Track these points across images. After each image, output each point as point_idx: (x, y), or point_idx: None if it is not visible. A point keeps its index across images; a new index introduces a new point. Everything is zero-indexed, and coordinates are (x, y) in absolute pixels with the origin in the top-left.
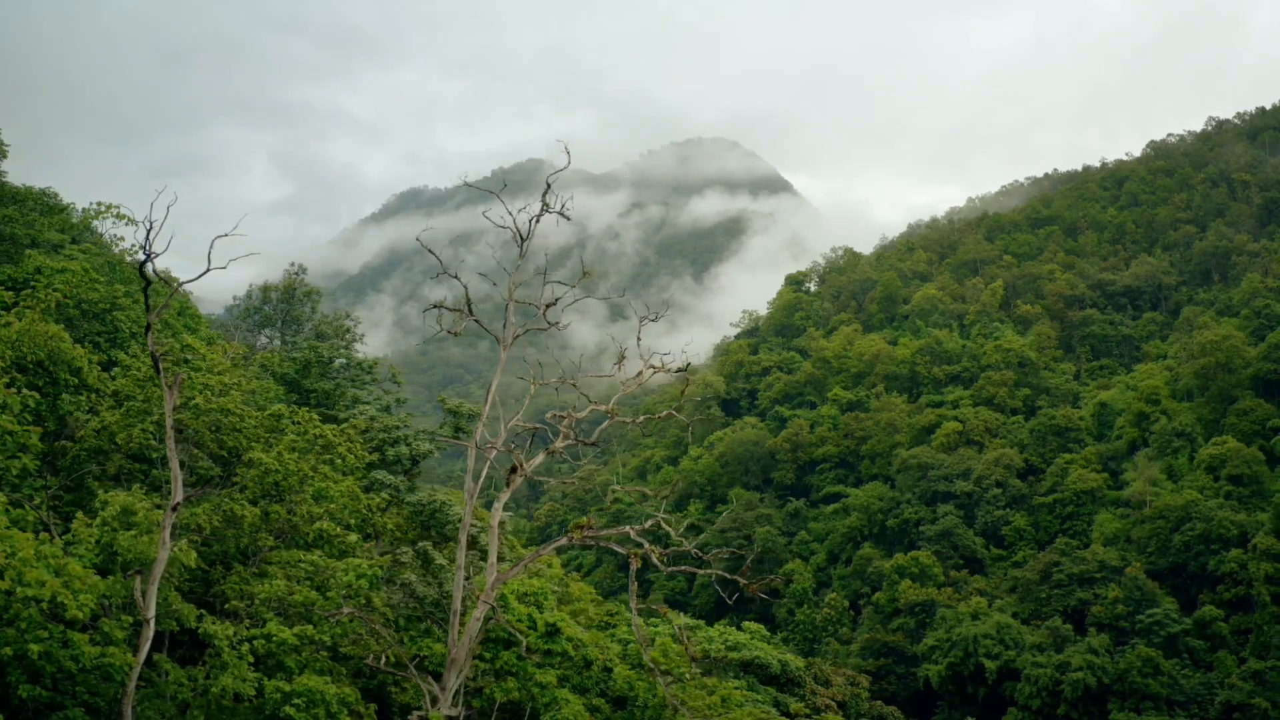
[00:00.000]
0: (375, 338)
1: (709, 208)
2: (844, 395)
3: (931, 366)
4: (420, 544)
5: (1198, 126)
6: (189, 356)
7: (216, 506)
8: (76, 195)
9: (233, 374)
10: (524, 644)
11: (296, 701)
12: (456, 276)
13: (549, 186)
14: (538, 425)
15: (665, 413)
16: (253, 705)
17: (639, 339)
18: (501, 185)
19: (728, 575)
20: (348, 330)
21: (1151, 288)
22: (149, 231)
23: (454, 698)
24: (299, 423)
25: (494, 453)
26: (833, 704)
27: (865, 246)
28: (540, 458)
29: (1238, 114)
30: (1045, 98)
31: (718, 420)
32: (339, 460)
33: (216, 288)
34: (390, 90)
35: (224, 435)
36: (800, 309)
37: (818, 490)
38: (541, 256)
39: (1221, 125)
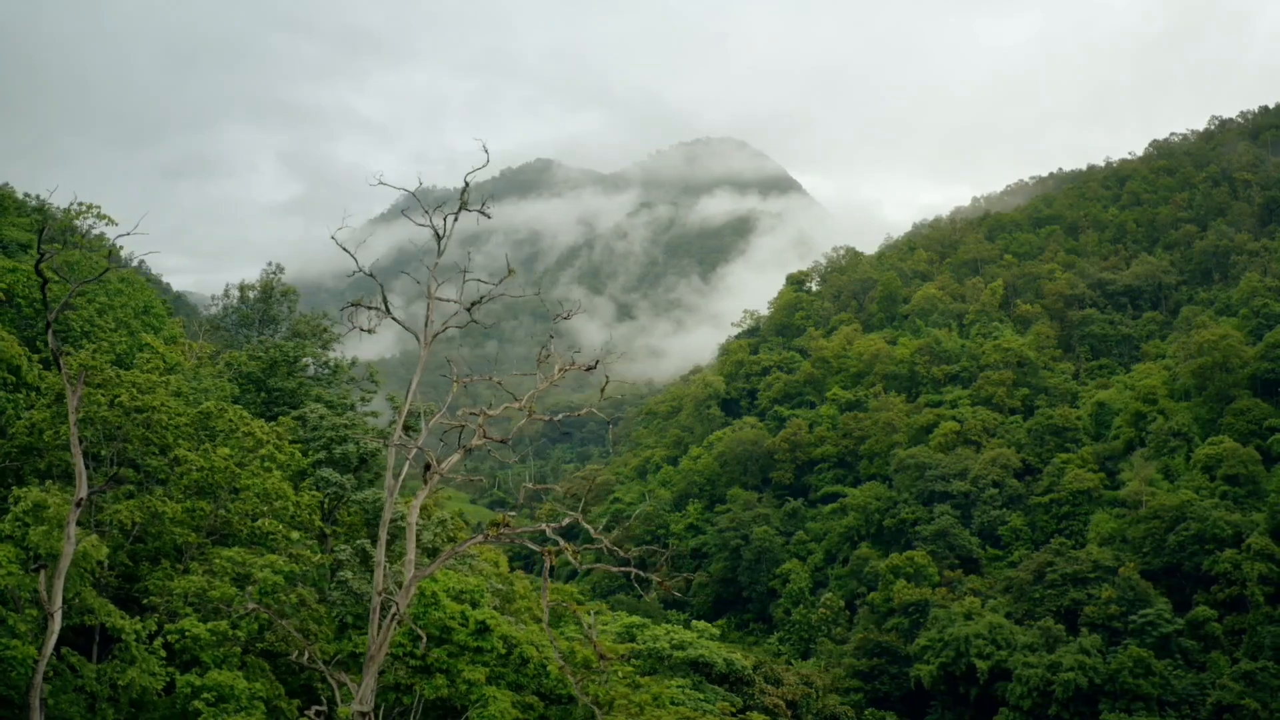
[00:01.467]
0: (384, 337)
1: (717, 207)
2: (843, 395)
3: (930, 366)
4: (359, 542)
5: (1203, 125)
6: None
7: (141, 503)
8: (84, 196)
9: (191, 370)
10: (423, 640)
11: (206, 696)
12: (375, 279)
13: (468, 185)
14: (460, 424)
15: (587, 410)
16: (168, 700)
17: (552, 336)
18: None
19: (642, 572)
20: (324, 330)
21: (1151, 287)
22: (41, 231)
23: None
24: (231, 420)
25: (413, 451)
26: (781, 703)
27: (873, 246)
28: (457, 456)
29: (1241, 113)
30: (1053, 97)
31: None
32: (269, 458)
33: (221, 293)
34: (399, 90)
35: (150, 433)
36: (801, 309)
37: (816, 490)
38: (465, 255)
39: (1225, 124)
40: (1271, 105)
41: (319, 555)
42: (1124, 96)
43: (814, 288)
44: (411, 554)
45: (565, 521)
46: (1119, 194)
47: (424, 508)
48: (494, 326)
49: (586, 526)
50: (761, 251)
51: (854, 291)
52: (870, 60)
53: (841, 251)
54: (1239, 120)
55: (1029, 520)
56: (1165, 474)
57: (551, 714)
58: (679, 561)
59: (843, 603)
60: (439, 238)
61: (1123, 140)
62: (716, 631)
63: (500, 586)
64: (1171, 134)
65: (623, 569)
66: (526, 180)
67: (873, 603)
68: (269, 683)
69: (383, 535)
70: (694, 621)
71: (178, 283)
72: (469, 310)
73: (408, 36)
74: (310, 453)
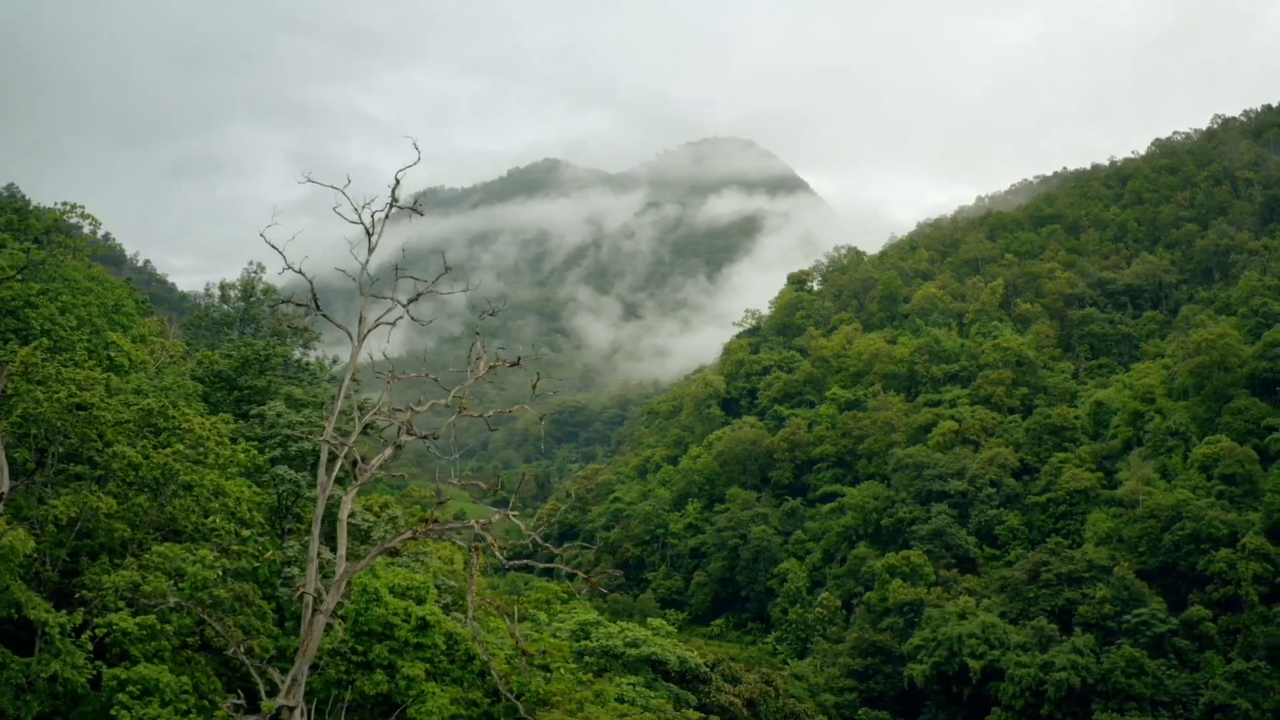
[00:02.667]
0: (392, 336)
1: (724, 207)
2: (842, 394)
3: (930, 366)
4: (307, 538)
5: (1206, 124)
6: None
7: (77, 499)
8: (91, 196)
9: (154, 369)
10: (338, 633)
11: (131, 689)
12: (302, 275)
13: (398, 182)
14: (392, 419)
15: (519, 406)
16: (99, 695)
17: (478, 333)
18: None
19: (571, 569)
20: (305, 329)
21: (1152, 286)
22: None
23: (298, 688)
24: (172, 417)
25: (345, 448)
26: (738, 702)
27: (878, 246)
28: (388, 453)
29: (1244, 111)
30: (1057, 96)
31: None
32: (225, 455)
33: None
34: (405, 91)
35: (89, 429)
36: (802, 308)
37: (815, 490)
38: (401, 253)
39: (1227, 123)
40: (1274, 104)
41: (271, 552)
42: (1128, 95)
43: (815, 287)
44: (342, 550)
45: (495, 518)
46: (1120, 193)
47: (379, 506)
48: (501, 327)
49: (517, 523)
50: (768, 251)
51: (855, 291)
52: (875, 59)
53: (843, 251)
54: (1241, 119)
55: (1026, 520)
56: (1163, 473)
57: (496, 710)
58: (677, 561)
59: (839, 602)
60: (369, 235)
61: (1127, 139)
62: (673, 629)
63: (451, 583)
64: (1174, 133)
65: (548, 565)
66: (534, 180)
67: (869, 602)
68: (206, 677)
69: (316, 531)
70: (649, 619)
71: (184, 283)
72: (405, 306)
73: (413, 36)
74: (267, 450)
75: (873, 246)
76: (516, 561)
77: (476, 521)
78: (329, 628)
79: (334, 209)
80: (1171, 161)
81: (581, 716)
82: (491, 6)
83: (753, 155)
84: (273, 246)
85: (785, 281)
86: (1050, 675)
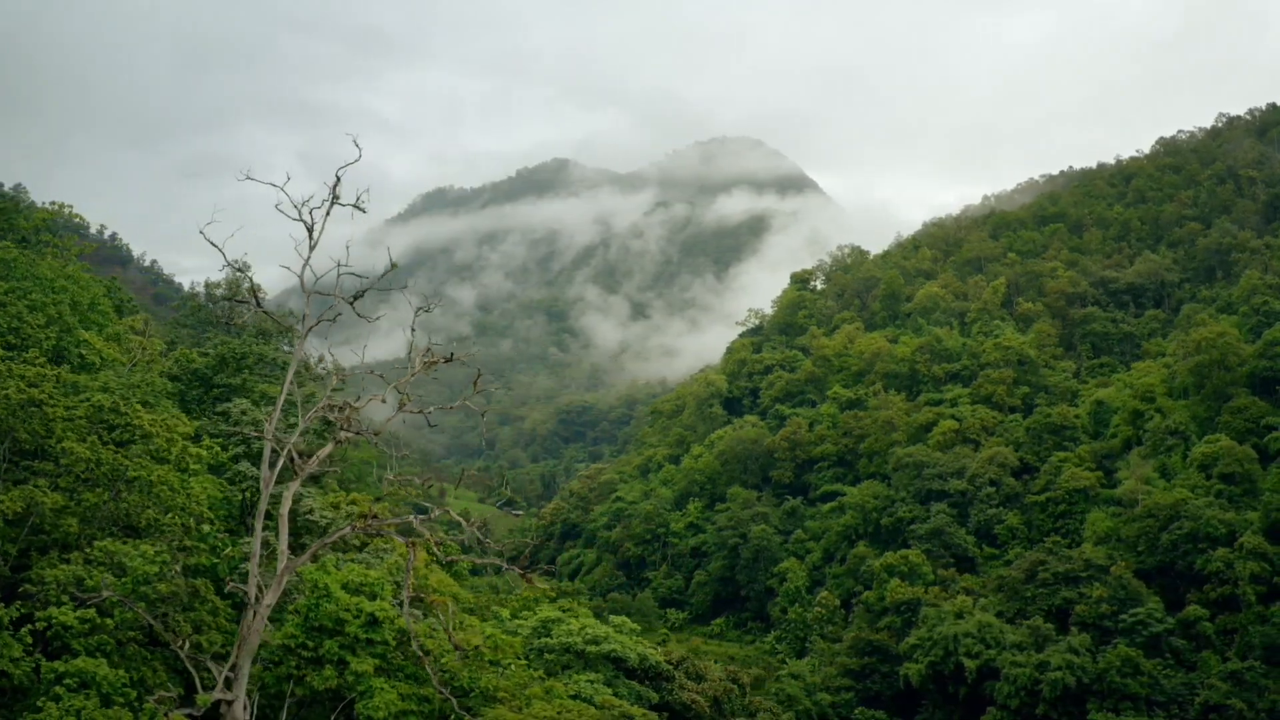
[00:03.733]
0: (400, 336)
1: (733, 206)
2: (844, 394)
3: (931, 365)
4: (266, 534)
5: (1211, 123)
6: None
7: (23, 493)
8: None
9: (124, 366)
10: (289, 628)
11: (68, 682)
12: (244, 276)
13: (339, 179)
14: (336, 418)
15: (459, 402)
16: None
17: (413, 329)
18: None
19: (506, 564)
20: (290, 329)
21: (1154, 285)
22: None
23: (240, 682)
24: (124, 414)
25: (286, 444)
26: (700, 699)
27: (886, 245)
28: (329, 448)
29: (1249, 110)
30: (1067, 95)
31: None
32: (163, 451)
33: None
34: (415, 90)
35: (37, 425)
36: (804, 307)
37: (816, 489)
38: (342, 249)
39: (1232, 122)
40: (1279, 102)
41: (230, 548)
42: (1137, 94)
43: (819, 286)
44: (284, 545)
45: (435, 514)
46: (1124, 191)
47: (337, 503)
48: (509, 327)
49: (459, 519)
50: (776, 250)
51: (857, 290)
52: (884, 59)
53: (846, 250)
54: (1246, 117)
55: (1025, 519)
56: (1162, 473)
57: (449, 707)
58: (678, 560)
59: (838, 601)
60: (310, 231)
61: (1136, 138)
62: (637, 627)
63: (412, 580)
64: (1179, 131)
65: (489, 561)
66: (543, 180)
67: (867, 602)
68: (152, 671)
69: (258, 526)
70: (612, 616)
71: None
72: (351, 304)
73: (421, 36)
74: (230, 447)
75: (881, 246)
76: (454, 558)
77: (414, 517)
78: (280, 623)
79: (275, 207)
80: (1176, 160)
81: (527, 712)
82: (500, 6)
83: (762, 155)
84: (212, 244)
85: (788, 281)
86: (1046, 675)
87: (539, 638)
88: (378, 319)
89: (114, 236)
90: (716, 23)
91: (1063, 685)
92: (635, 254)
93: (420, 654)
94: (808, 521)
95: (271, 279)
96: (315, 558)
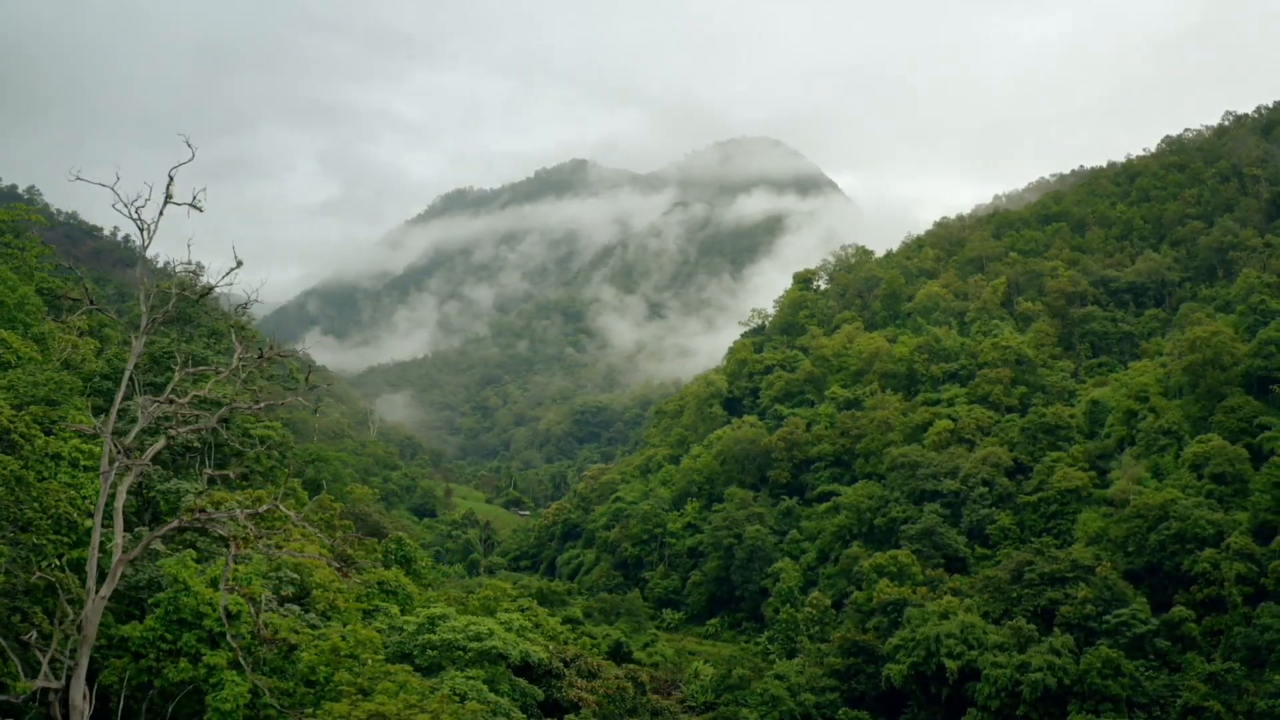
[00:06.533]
0: (418, 337)
1: (752, 206)
2: (842, 394)
3: (929, 364)
4: (138, 530)
5: (1217, 121)
6: None
7: None
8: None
9: (33, 367)
10: (150, 621)
11: None
12: (78, 283)
13: (171, 179)
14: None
15: (291, 398)
16: None
17: (233, 326)
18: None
19: (330, 561)
20: (243, 328)
21: (1155, 284)
22: None
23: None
24: None
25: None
26: (589, 698)
27: (898, 245)
28: (161, 443)
29: (1256, 108)
30: (1085, 94)
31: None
32: (26, 448)
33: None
34: (434, 91)
35: None
36: (805, 307)
37: (812, 489)
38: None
39: (1239, 120)
40: None
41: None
42: (1157, 93)
43: (822, 286)
44: (119, 538)
45: (263, 508)
46: (1128, 190)
47: (219, 503)
48: (526, 327)
49: (288, 513)
50: (790, 250)
51: (859, 290)
52: (902, 58)
53: (850, 250)
54: (1253, 115)
55: (1018, 519)
56: (1154, 473)
57: (308, 699)
58: (675, 560)
59: (830, 602)
60: (141, 231)
61: (1153, 136)
62: (527, 623)
63: (294, 575)
64: (1185, 129)
65: (308, 557)
66: (561, 180)
67: (857, 602)
68: (3, 663)
69: (97, 520)
70: (501, 614)
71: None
72: (197, 302)
73: (442, 37)
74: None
75: (895, 246)
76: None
77: (241, 512)
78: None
79: (112, 205)
80: (1181, 159)
81: (363, 706)
82: (520, 7)
83: (780, 155)
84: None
85: (787, 280)
86: (1026, 676)
87: (422, 633)
88: (248, 314)
89: (126, 239)
90: (735, 23)
91: (1043, 686)
92: (653, 254)
93: (234, 645)
94: (803, 522)
95: (288, 280)
96: (148, 551)
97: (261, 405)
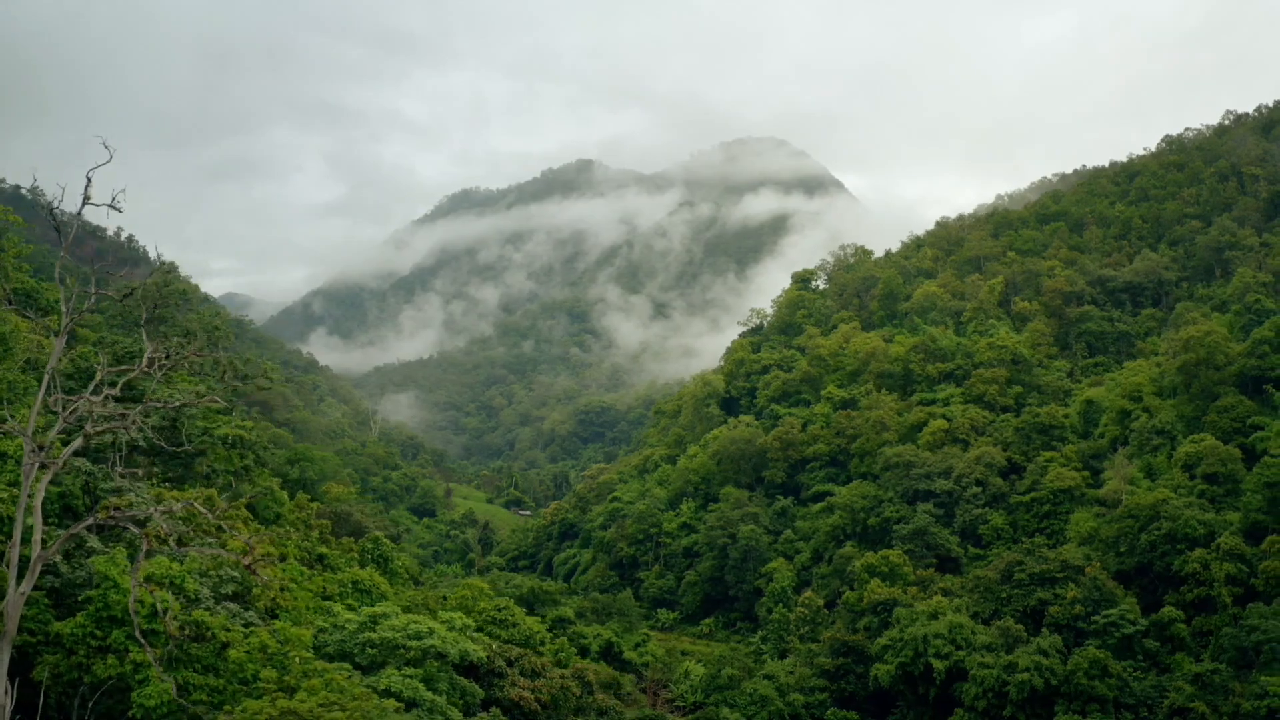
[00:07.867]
0: (424, 337)
1: (758, 206)
2: (838, 393)
3: (925, 364)
4: (73, 528)
5: (1217, 120)
6: None
7: None
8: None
9: None
10: (80, 619)
11: None
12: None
13: (89, 180)
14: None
15: (209, 397)
16: None
17: (141, 325)
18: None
19: (241, 558)
20: (216, 329)
21: (1152, 284)
22: None
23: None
24: None
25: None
26: (530, 696)
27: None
28: (78, 442)
29: (1256, 107)
30: (1091, 93)
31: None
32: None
33: (264, 294)
34: (441, 92)
35: None
36: (803, 307)
37: (807, 489)
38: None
39: (1239, 119)
40: None
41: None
42: (1161, 92)
43: (820, 286)
44: (38, 535)
45: (177, 507)
46: (1127, 189)
47: (160, 496)
48: (531, 327)
49: (203, 511)
50: (794, 250)
51: (857, 289)
52: (909, 58)
53: (850, 249)
54: (1253, 115)
55: (1010, 519)
56: (1147, 472)
57: (239, 696)
58: (670, 560)
59: (822, 602)
60: (59, 232)
61: (1157, 135)
62: (472, 623)
63: (235, 574)
64: (1185, 129)
65: (215, 553)
66: (567, 180)
67: (848, 602)
68: None
69: (19, 517)
70: (439, 611)
71: (219, 285)
72: (121, 301)
73: (447, 38)
74: (72, 439)
75: (898, 246)
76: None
77: (157, 510)
78: (77, 611)
79: (42, 211)
80: (1180, 158)
81: (281, 703)
82: (525, 7)
83: (786, 155)
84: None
85: (789, 280)
86: (1013, 676)
87: (363, 632)
88: (174, 311)
89: (130, 239)
90: (741, 23)
91: (1030, 687)
92: (659, 254)
93: (142, 642)
94: (798, 521)
95: (294, 280)
96: (64, 551)
97: (179, 404)
